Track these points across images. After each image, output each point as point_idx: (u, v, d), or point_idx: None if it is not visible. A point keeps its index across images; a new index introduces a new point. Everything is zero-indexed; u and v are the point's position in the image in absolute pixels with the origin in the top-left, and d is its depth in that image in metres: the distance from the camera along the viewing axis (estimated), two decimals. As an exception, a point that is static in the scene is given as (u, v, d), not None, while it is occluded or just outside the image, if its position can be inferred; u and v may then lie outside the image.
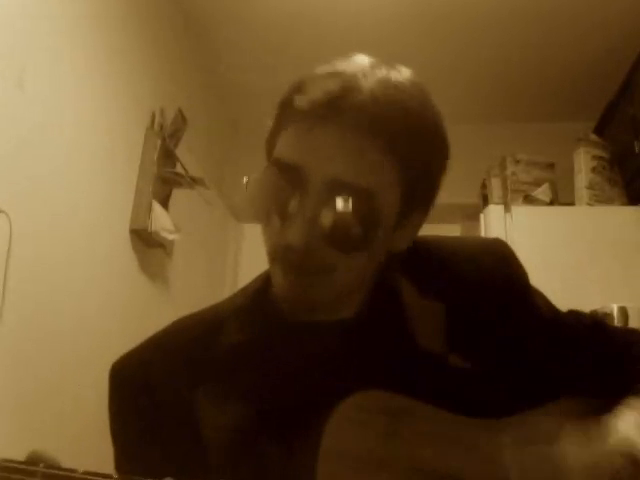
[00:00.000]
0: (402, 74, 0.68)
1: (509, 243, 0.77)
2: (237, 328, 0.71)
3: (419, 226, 0.71)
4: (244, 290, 0.76)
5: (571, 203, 2.45)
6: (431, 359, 0.67)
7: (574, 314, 0.80)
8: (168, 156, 2.34)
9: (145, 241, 2.23)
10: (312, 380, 0.66)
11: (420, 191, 0.67)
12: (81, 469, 0.57)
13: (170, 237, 2.29)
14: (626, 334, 0.80)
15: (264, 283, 0.73)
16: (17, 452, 0.64)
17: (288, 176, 0.62)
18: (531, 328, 0.73)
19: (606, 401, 0.69)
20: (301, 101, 0.62)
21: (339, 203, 0.59)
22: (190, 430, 0.66)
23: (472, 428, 0.65)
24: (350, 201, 0.59)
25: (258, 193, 0.65)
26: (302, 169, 0.61)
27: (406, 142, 0.63)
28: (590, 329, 0.78)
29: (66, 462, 0.79)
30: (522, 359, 0.71)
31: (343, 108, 0.61)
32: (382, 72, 0.67)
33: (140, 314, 2.11)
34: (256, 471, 0.63)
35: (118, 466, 0.72)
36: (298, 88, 0.65)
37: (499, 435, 0.66)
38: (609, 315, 1.82)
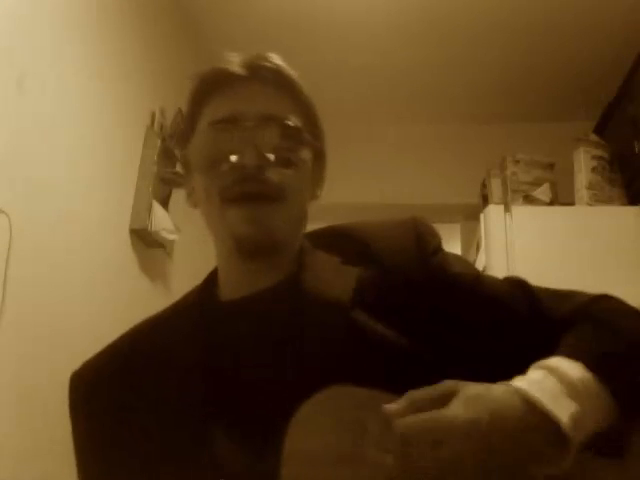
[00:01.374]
0: None
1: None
2: (179, 317, 0.79)
3: (323, 177, 0.85)
4: (189, 292, 0.85)
5: (571, 203, 2.45)
6: (337, 311, 0.71)
7: (507, 281, 0.80)
8: (168, 156, 2.34)
9: (145, 241, 2.23)
10: (256, 359, 0.72)
11: (313, 134, 0.80)
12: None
13: (170, 237, 2.29)
14: (553, 297, 0.77)
15: (206, 281, 0.83)
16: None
17: (227, 126, 0.75)
18: (447, 292, 0.75)
19: None
20: (226, 66, 0.78)
21: (274, 130, 0.74)
22: (148, 429, 0.70)
23: None
24: (281, 128, 0.75)
25: (202, 148, 0.76)
26: (238, 116, 0.75)
27: (303, 95, 0.81)
28: (512, 290, 0.77)
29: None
30: (440, 324, 0.73)
31: (261, 67, 0.78)
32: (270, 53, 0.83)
33: (140, 314, 2.10)
34: (213, 467, 0.65)
35: (80, 470, 0.74)
36: (212, 69, 0.80)
37: None
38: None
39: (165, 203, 2.33)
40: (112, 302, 1.98)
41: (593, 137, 2.53)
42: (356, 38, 2.72)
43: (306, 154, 0.78)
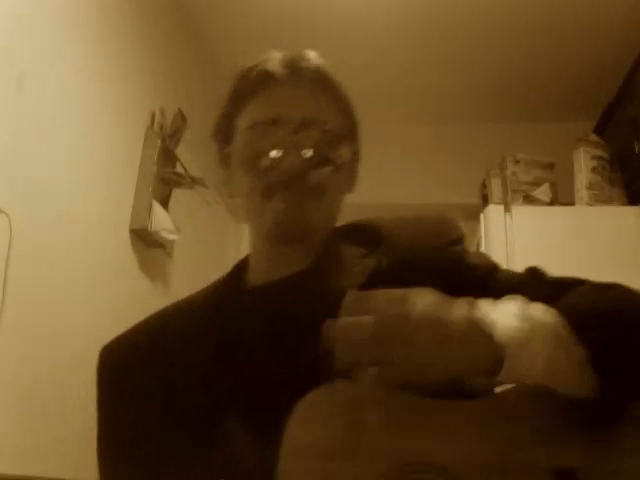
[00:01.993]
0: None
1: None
2: (206, 300, 0.81)
3: (357, 172, 0.88)
4: (220, 277, 0.86)
5: (571, 203, 2.45)
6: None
7: (528, 272, 0.79)
8: (168, 156, 2.34)
9: (145, 241, 2.23)
10: (273, 348, 0.73)
11: (351, 132, 0.84)
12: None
13: (170, 237, 2.29)
14: (568, 286, 0.76)
15: (236, 267, 0.85)
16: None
17: (269, 128, 0.77)
18: (458, 281, 0.73)
19: None
20: (268, 66, 0.80)
21: (315, 132, 0.77)
22: (170, 410, 0.71)
23: (440, 411, 0.64)
24: (321, 130, 0.77)
25: (243, 148, 0.79)
26: (280, 118, 0.77)
27: (342, 95, 0.84)
28: (527, 281, 0.77)
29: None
30: None
31: (302, 69, 0.81)
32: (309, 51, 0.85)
33: (140, 314, 2.10)
34: (225, 452, 0.67)
35: (102, 449, 0.75)
36: (253, 67, 0.82)
37: (468, 423, 0.64)
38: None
39: (165, 203, 2.33)
40: (112, 302, 1.98)
41: (593, 137, 2.53)
42: (356, 38, 2.72)
43: (344, 152, 0.80)
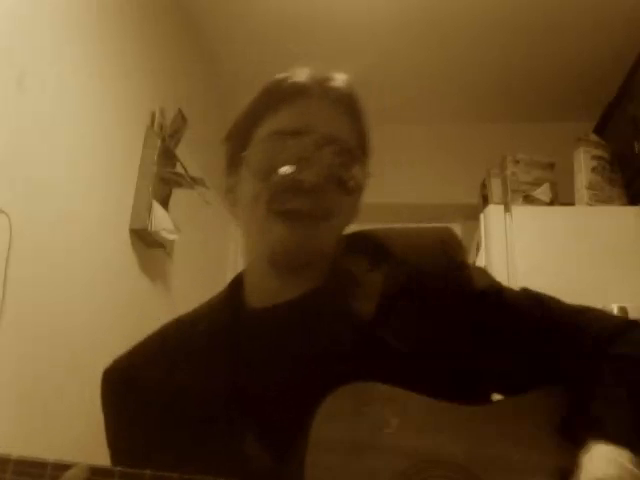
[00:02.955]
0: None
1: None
2: (210, 320, 0.80)
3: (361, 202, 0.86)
4: (216, 295, 0.85)
5: (571, 203, 2.45)
6: (358, 325, 0.73)
7: (523, 292, 0.82)
8: (168, 156, 2.34)
9: (145, 241, 2.23)
10: (282, 368, 0.73)
11: (366, 156, 0.85)
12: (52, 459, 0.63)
13: (170, 237, 2.29)
14: (573, 313, 0.79)
15: (233, 285, 0.84)
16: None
17: (291, 138, 0.76)
18: (467, 304, 0.76)
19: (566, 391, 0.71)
20: (299, 82, 0.80)
21: (334, 151, 0.77)
22: (177, 430, 0.72)
23: (456, 413, 0.68)
24: (340, 150, 0.77)
25: (262, 154, 0.78)
26: (302, 130, 0.77)
27: (362, 117, 0.85)
28: (531, 306, 0.79)
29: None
30: (461, 335, 0.74)
31: (330, 87, 0.81)
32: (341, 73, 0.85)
33: (140, 314, 2.10)
34: (236, 459, 0.67)
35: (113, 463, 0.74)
36: (284, 79, 0.81)
37: (483, 424, 0.69)
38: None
39: (165, 203, 2.33)
40: (112, 302, 1.98)
41: (593, 137, 2.53)
42: (356, 38, 2.72)
43: (358, 175, 0.80)
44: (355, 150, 0.80)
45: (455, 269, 0.80)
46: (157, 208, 2.21)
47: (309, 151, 0.75)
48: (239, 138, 0.82)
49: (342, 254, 0.81)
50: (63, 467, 0.64)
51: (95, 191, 1.93)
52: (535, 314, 0.78)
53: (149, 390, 0.75)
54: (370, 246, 0.82)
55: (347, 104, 0.82)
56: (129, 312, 2.06)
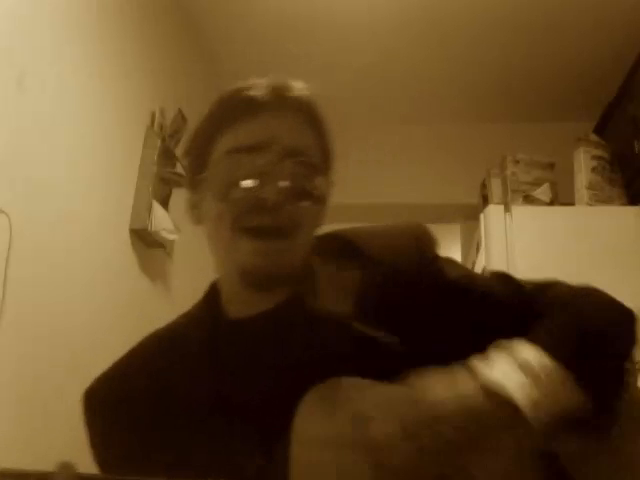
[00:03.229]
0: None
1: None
2: (190, 332, 0.80)
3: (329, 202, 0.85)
4: (193, 307, 0.86)
5: (571, 203, 2.45)
6: (339, 326, 0.74)
7: (495, 275, 0.86)
8: (168, 156, 2.34)
9: (145, 241, 2.23)
10: (264, 376, 0.74)
11: (329, 164, 0.83)
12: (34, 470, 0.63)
13: (170, 237, 2.29)
14: (537, 286, 0.83)
15: (208, 297, 0.84)
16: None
17: (250, 154, 0.75)
18: (442, 295, 0.78)
19: None
20: (253, 93, 0.77)
21: (295, 163, 0.75)
22: (161, 442, 0.72)
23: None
24: (302, 161, 0.76)
25: (220, 174, 0.76)
26: (259, 146, 0.75)
27: (323, 126, 0.82)
28: (501, 285, 0.82)
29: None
30: (436, 326, 0.76)
31: (286, 99, 0.79)
32: (296, 81, 0.83)
33: (140, 314, 2.10)
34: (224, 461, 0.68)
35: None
36: (238, 91, 0.79)
37: None
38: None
39: (165, 203, 2.33)
40: (112, 302, 1.98)
41: (593, 137, 2.53)
42: (356, 38, 2.72)
43: (322, 185, 0.78)
44: (317, 159, 0.79)
45: (428, 264, 0.81)
46: (157, 208, 2.21)
47: (269, 166, 0.74)
48: (198, 155, 0.81)
49: (312, 256, 0.81)
50: (45, 478, 0.63)
51: (95, 191, 1.93)
52: (507, 295, 0.80)
53: (133, 405, 0.75)
54: (341, 247, 0.82)
55: (306, 113, 0.80)
56: (129, 312, 2.06)
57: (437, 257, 0.83)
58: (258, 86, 0.78)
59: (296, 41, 2.71)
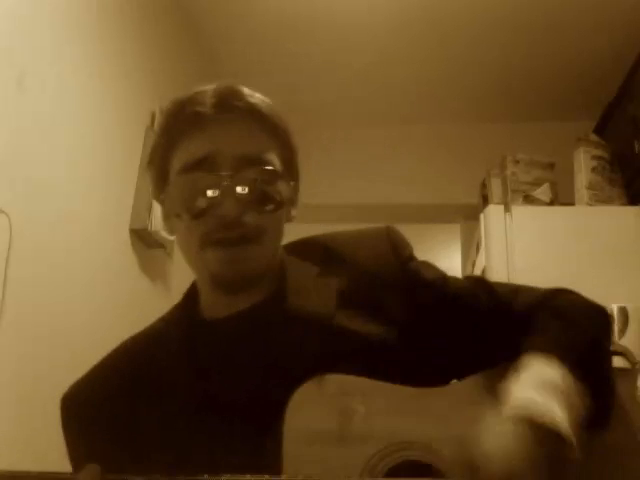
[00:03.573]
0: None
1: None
2: (169, 333, 0.82)
3: (297, 199, 0.85)
4: (171, 309, 0.87)
5: (571, 203, 2.45)
6: (319, 322, 0.75)
7: (468, 279, 0.87)
8: (168, 156, 2.34)
9: (145, 241, 2.23)
10: (243, 376, 0.75)
11: (290, 165, 0.82)
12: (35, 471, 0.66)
13: (170, 237, 2.28)
14: (510, 290, 0.84)
15: (187, 297, 0.85)
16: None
17: (202, 168, 0.74)
18: (417, 295, 0.80)
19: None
20: (198, 107, 0.76)
21: (251, 170, 0.74)
22: (143, 445, 0.73)
23: (419, 397, 0.73)
24: (258, 168, 0.75)
25: (177, 194, 0.76)
26: (213, 157, 0.74)
27: (278, 127, 0.80)
28: (473, 287, 0.84)
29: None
30: (417, 325, 0.78)
31: (232, 105, 0.77)
32: (245, 87, 0.81)
33: (140, 314, 2.10)
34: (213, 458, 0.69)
35: None
36: (185, 103, 0.78)
37: (445, 405, 0.73)
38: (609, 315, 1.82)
39: (165, 203, 2.33)
40: (112, 302, 1.98)
41: (593, 137, 2.53)
42: (356, 38, 2.72)
43: (284, 188, 0.78)
44: (275, 163, 0.78)
45: (404, 264, 0.83)
46: (157, 208, 2.21)
47: (225, 179, 0.73)
48: (158, 170, 0.80)
49: (289, 262, 0.83)
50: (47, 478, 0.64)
51: (95, 191, 1.93)
52: (480, 298, 0.82)
53: (109, 406, 0.76)
54: (317, 251, 0.84)
55: (258, 118, 0.78)
56: (129, 312, 2.06)
57: (413, 259, 0.85)
58: (203, 95, 0.78)
59: (296, 41, 2.71)
